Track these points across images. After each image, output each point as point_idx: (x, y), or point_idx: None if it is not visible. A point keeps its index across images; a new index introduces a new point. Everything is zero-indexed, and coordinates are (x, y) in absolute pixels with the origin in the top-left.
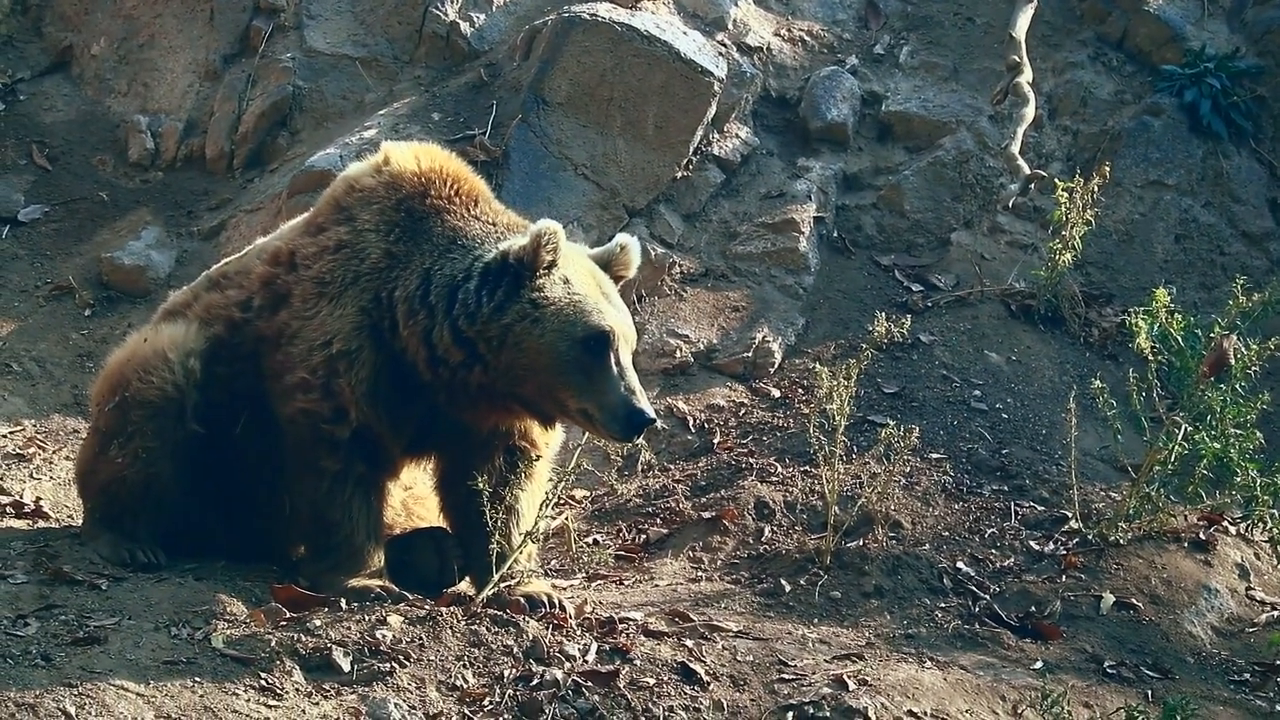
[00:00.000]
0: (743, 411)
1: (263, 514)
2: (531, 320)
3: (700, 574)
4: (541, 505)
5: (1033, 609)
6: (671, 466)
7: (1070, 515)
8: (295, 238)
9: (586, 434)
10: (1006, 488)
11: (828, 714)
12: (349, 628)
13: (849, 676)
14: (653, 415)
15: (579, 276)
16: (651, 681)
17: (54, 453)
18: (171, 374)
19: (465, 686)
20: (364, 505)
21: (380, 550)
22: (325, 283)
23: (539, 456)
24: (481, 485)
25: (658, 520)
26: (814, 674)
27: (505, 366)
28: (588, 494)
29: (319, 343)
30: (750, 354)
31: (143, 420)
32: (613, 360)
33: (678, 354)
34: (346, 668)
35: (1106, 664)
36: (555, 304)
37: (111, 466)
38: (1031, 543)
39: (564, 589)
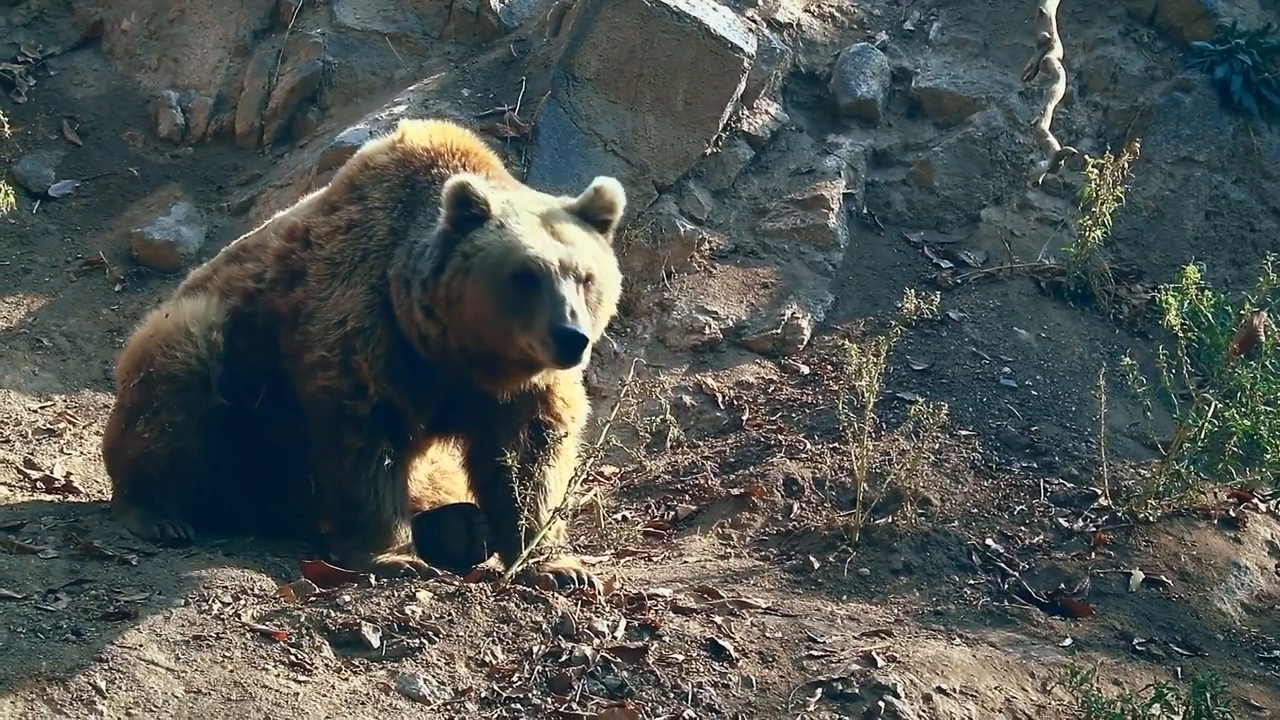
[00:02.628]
0: (772, 388)
1: (289, 490)
2: (464, 272)
3: (729, 551)
4: (570, 481)
5: (1062, 586)
6: (700, 443)
7: (1100, 492)
8: (310, 215)
9: (615, 410)
10: (1036, 465)
11: (856, 691)
12: (378, 603)
13: (878, 653)
14: (583, 331)
15: (519, 221)
16: (680, 658)
17: (84, 428)
18: (194, 348)
19: (494, 662)
20: (389, 481)
21: (407, 525)
22: (337, 263)
23: (567, 433)
24: (510, 461)
25: (686, 497)
26: (843, 651)
27: (458, 325)
28: (617, 470)
29: (334, 322)
30: (779, 331)
31: (168, 395)
32: (546, 291)
33: (707, 331)
34: (376, 643)
35: (1136, 641)
36: (485, 249)
37: (139, 442)
38: (1061, 520)
39: (593, 565)
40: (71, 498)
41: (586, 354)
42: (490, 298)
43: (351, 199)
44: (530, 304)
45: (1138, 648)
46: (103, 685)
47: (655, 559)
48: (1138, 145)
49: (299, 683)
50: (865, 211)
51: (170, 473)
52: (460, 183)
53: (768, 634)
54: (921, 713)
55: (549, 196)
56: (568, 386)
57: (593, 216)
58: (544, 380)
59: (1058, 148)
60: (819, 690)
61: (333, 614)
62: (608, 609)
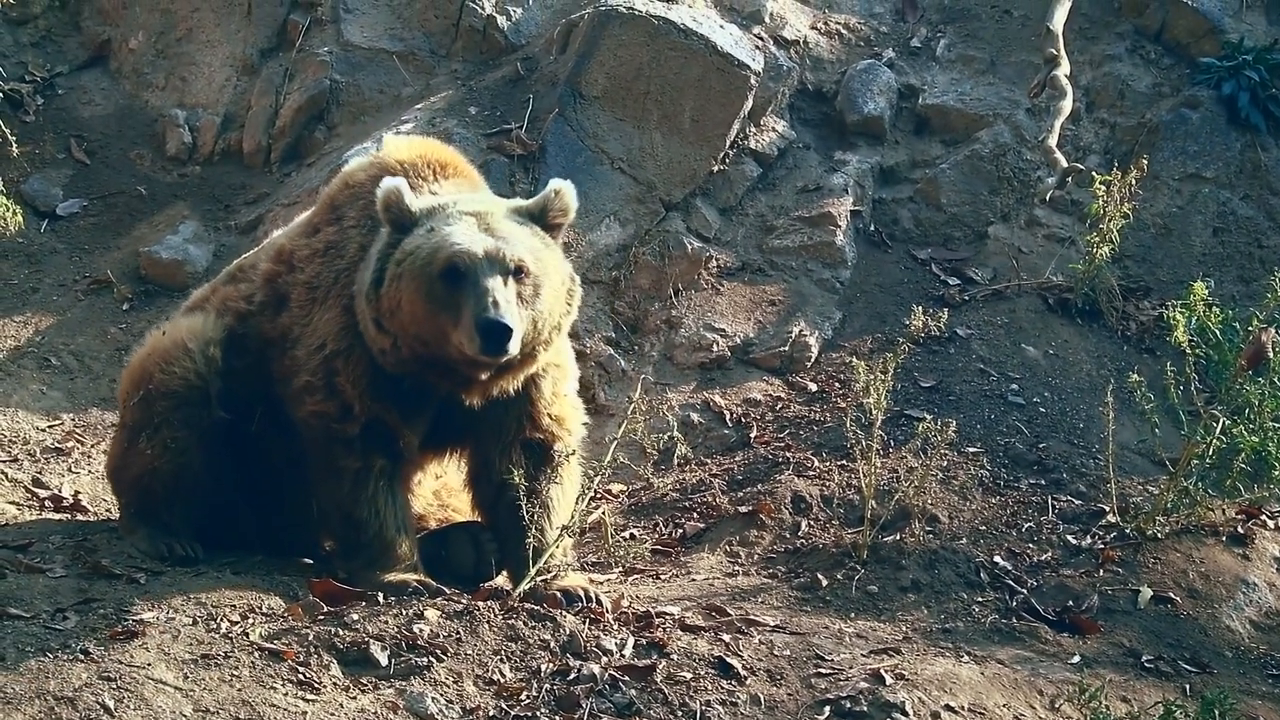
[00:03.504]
0: (779, 406)
1: (291, 510)
2: (398, 279)
3: (737, 568)
4: (577, 499)
5: (1070, 603)
6: (708, 460)
7: (1108, 509)
8: (296, 237)
9: (622, 428)
10: (1044, 481)
11: (865, 708)
12: (386, 622)
13: (886, 671)
14: (505, 321)
15: (449, 221)
16: (688, 676)
17: (92, 446)
18: (193, 363)
19: (502, 681)
20: (389, 499)
21: (411, 540)
22: (314, 287)
23: (567, 450)
24: (516, 478)
25: (694, 515)
26: (851, 668)
27: (403, 332)
28: (624, 488)
29: (315, 346)
30: (787, 348)
31: (169, 410)
32: (470, 284)
33: (714, 348)
34: (384, 662)
35: (1144, 658)
36: (414, 252)
37: (142, 460)
38: (1069, 537)
39: (601, 583)
40: (79, 516)
41: (513, 344)
42: (422, 299)
43: (330, 220)
44: (458, 299)
45: (1146, 665)
46: (111, 704)
47: (663, 577)
48: (1145, 162)
49: (307, 701)
50: (872, 229)
51: (174, 488)
52: (385, 188)
53: (776, 652)
54: None
55: (502, 199)
56: (557, 403)
57: (547, 219)
58: (511, 385)
59: (1065, 164)
60: (827, 708)
61: (341, 632)
62: (616, 627)
